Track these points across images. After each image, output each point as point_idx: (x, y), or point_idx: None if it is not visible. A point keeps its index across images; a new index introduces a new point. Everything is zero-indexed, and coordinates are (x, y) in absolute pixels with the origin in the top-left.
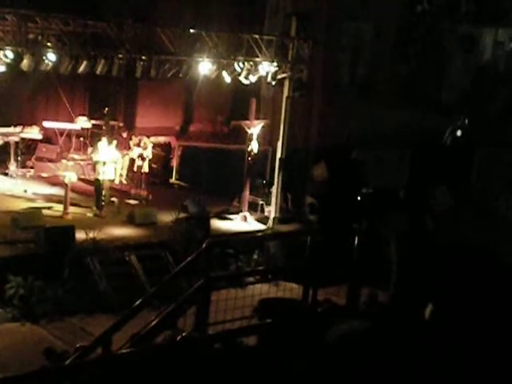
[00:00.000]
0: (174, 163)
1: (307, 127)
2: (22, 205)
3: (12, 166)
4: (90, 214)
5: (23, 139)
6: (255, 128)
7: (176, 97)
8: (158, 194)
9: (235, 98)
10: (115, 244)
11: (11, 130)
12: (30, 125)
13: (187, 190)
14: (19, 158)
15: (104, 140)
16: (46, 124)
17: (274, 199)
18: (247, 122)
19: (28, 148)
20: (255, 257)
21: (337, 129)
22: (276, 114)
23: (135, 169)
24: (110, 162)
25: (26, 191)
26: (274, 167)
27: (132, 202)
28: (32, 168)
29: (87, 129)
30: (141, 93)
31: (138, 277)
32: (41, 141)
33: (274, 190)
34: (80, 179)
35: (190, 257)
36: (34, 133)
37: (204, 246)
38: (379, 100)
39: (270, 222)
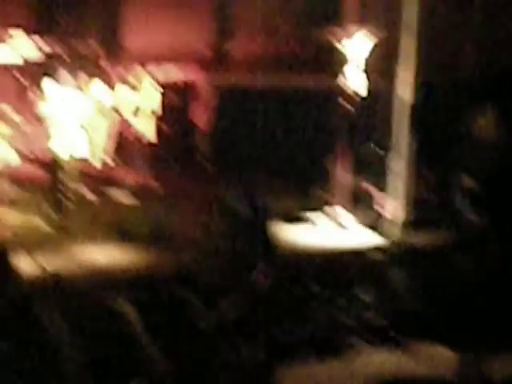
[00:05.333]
0: (204, 120)
1: (461, 37)
2: None
3: None
4: (41, 225)
5: None
6: (356, 42)
7: None
8: (174, 183)
9: None
10: (92, 281)
11: None
12: None
13: (229, 173)
14: None
15: (63, 77)
16: None
17: (398, 183)
18: (339, 30)
19: None
20: (362, 297)
21: None
22: (397, 17)
23: (129, 135)
24: (77, 121)
25: None
26: (397, 120)
27: (124, 198)
28: None
29: (29, 56)
30: None
31: (137, 343)
32: None
33: (397, 164)
34: (24, 159)
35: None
36: None
37: (262, 276)
38: None
39: (392, 229)
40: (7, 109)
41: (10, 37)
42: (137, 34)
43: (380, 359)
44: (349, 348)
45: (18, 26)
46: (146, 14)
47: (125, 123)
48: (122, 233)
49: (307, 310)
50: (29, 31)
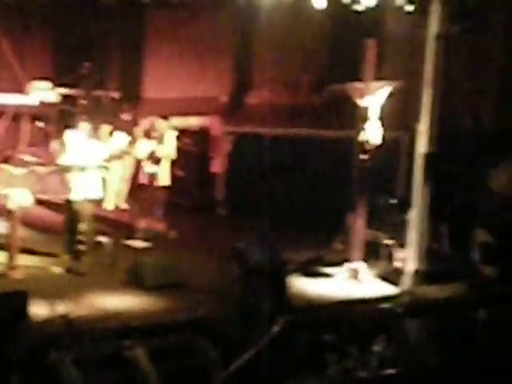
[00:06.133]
0: (219, 167)
1: (478, 95)
2: None
3: None
4: (57, 269)
5: None
6: (375, 97)
7: (220, 40)
8: (188, 229)
9: (335, 41)
10: (106, 327)
11: None
12: None
13: (244, 221)
14: None
15: (83, 126)
16: None
17: (413, 235)
18: (358, 85)
19: None
20: (378, 349)
21: None
22: (415, 71)
23: (143, 180)
24: (95, 168)
25: None
26: (413, 173)
27: (137, 244)
28: None
29: (51, 104)
30: (151, 34)
31: None
32: None
33: (413, 216)
34: (38, 202)
35: (250, 350)
36: None
37: (277, 328)
38: None
39: (407, 281)
40: (24, 151)
41: (34, 88)
42: (157, 86)
43: None
44: None
45: (42, 78)
46: (166, 65)
47: (140, 168)
48: (134, 278)
49: (323, 362)
50: (53, 83)
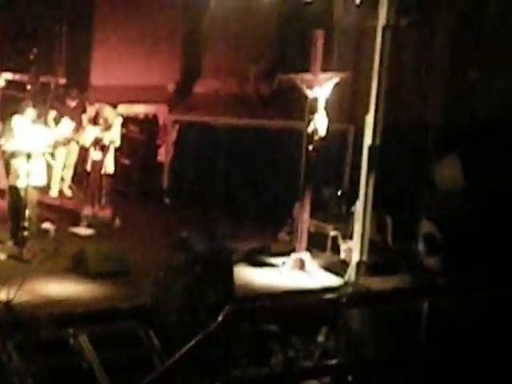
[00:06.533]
0: (165, 156)
1: (424, 87)
2: None
3: None
4: (0, 255)
5: None
6: (322, 88)
7: (168, 28)
8: (133, 217)
9: (284, 31)
10: (49, 314)
11: None
12: None
13: (190, 210)
14: None
15: (28, 111)
16: None
17: (358, 227)
18: (306, 76)
19: None
20: (321, 339)
21: (483, 89)
22: (363, 62)
23: (89, 167)
24: (40, 153)
25: None
26: (359, 165)
27: (82, 231)
28: None
29: None
30: (99, 20)
31: (91, 376)
32: None
33: (358, 208)
34: None
35: (193, 339)
36: None
37: (221, 317)
38: None
39: (352, 272)
40: None
41: None
42: (105, 73)
43: None
44: None
45: None
46: (114, 53)
47: (85, 155)
48: (78, 265)
49: (266, 351)
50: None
